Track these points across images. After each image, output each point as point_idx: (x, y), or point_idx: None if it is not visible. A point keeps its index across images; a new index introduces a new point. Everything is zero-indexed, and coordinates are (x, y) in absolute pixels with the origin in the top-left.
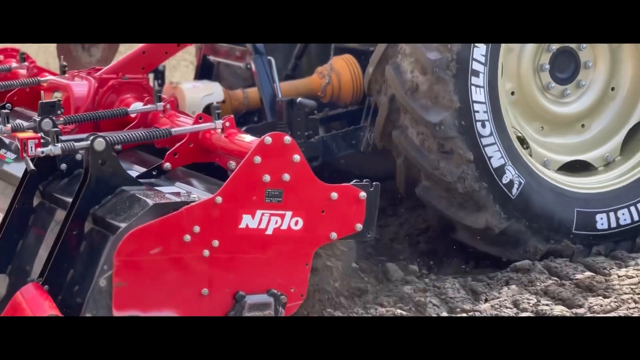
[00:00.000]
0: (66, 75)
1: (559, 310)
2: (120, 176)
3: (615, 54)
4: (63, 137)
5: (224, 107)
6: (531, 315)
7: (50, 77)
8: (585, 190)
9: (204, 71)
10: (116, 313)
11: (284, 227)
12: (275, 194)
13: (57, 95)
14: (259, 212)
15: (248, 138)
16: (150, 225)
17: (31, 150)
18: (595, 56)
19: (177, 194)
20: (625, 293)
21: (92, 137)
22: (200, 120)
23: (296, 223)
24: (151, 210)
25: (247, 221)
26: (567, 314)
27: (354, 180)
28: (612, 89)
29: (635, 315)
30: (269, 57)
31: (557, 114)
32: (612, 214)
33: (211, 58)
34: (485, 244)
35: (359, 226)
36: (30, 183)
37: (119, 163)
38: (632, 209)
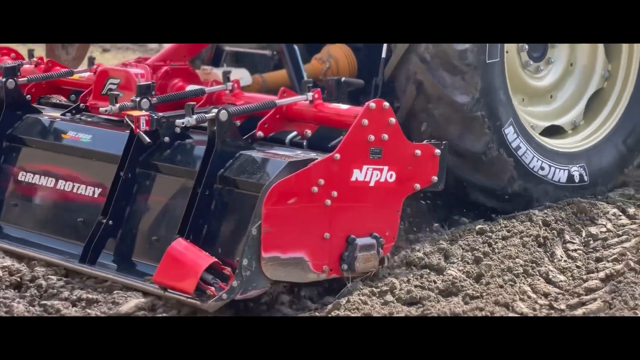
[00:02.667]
0: (94, 66)
1: None
2: (239, 142)
3: None
4: (160, 114)
5: (248, 89)
6: None
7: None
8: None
9: (215, 60)
10: (264, 255)
11: (382, 179)
12: (377, 152)
13: (114, 82)
14: (365, 167)
15: (343, 106)
16: (289, 178)
17: (142, 125)
18: None
19: (296, 154)
20: None
21: (217, 110)
22: (284, 95)
23: (391, 176)
24: (287, 167)
25: (357, 175)
26: None
27: (425, 140)
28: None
29: None
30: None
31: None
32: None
33: (226, 48)
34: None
35: (435, 178)
36: (134, 155)
37: (238, 131)
38: None
